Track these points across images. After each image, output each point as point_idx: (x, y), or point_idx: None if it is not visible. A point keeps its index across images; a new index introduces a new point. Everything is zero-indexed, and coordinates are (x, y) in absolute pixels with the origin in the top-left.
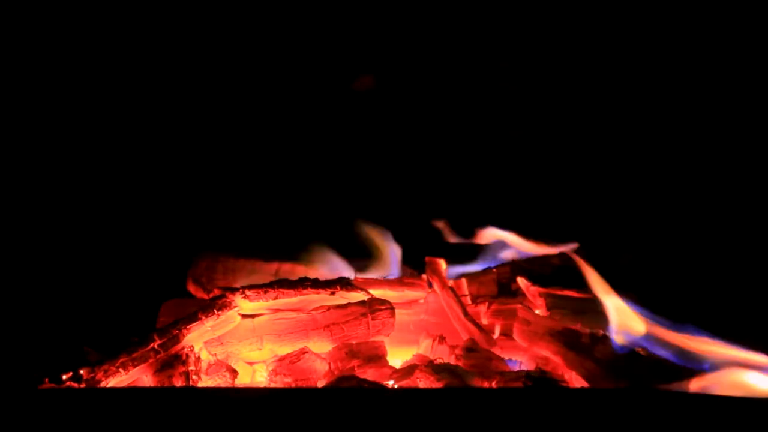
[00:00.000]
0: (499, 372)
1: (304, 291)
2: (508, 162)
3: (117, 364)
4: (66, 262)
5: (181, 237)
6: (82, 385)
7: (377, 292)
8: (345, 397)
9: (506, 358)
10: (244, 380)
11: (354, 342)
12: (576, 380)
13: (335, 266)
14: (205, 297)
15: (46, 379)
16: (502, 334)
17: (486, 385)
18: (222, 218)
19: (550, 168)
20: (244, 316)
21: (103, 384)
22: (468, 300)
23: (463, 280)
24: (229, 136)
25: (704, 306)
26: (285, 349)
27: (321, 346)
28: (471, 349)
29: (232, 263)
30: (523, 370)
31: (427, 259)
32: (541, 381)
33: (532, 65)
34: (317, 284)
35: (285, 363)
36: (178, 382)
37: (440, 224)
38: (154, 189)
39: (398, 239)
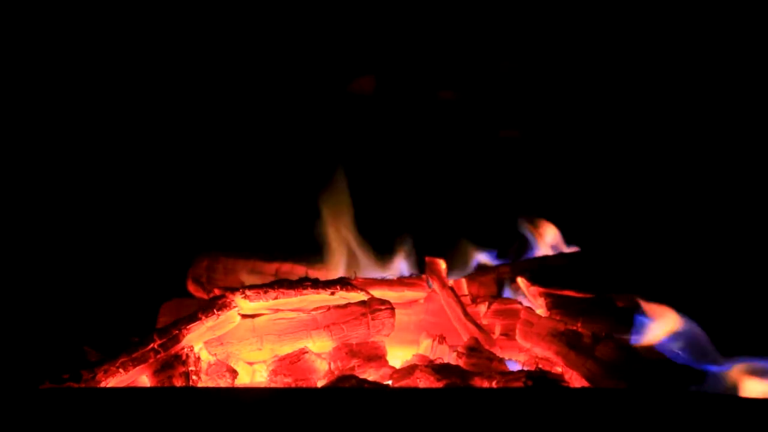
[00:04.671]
0: (500, 372)
1: (304, 291)
2: (504, 163)
3: (117, 364)
4: (66, 262)
5: (181, 237)
6: (82, 385)
7: (377, 293)
8: (345, 397)
9: (506, 358)
10: (244, 380)
11: (354, 342)
12: (577, 380)
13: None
14: (205, 297)
15: (47, 380)
16: (502, 334)
17: (486, 385)
18: (222, 218)
19: (545, 169)
20: (244, 316)
21: (103, 384)
22: (468, 300)
23: (463, 280)
24: (229, 136)
25: (703, 306)
26: (285, 349)
27: (321, 346)
28: (472, 348)
29: (232, 263)
30: (523, 370)
31: (426, 259)
32: (541, 381)
33: (528, 67)
34: (317, 284)
35: (285, 363)
36: (178, 382)
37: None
38: (154, 189)
39: (394, 240)
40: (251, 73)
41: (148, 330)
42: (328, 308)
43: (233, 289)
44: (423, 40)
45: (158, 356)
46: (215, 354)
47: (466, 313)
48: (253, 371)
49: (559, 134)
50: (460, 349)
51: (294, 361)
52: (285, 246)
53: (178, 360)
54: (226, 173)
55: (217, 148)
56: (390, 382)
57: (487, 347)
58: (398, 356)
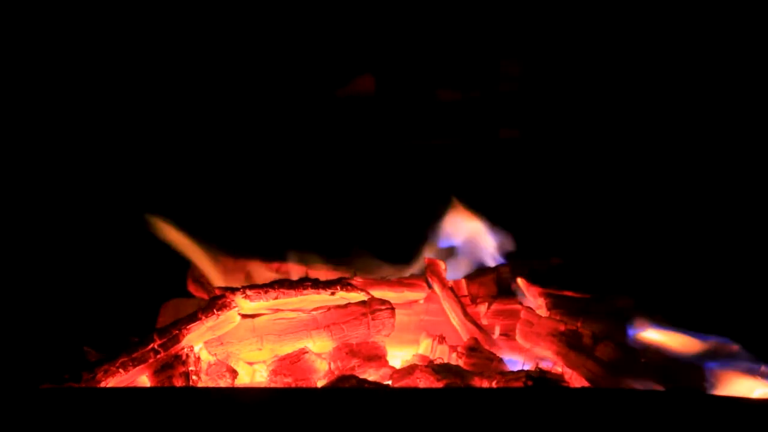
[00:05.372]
0: (500, 372)
1: (305, 291)
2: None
3: (117, 364)
4: (66, 262)
5: (181, 237)
6: (82, 385)
7: (377, 293)
8: (345, 397)
9: (506, 358)
10: (244, 380)
11: (354, 342)
12: (577, 380)
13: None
14: (205, 297)
15: (47, 380)
16: (502, 334)
17: (486, 385)
18: (222, 218)
19: (545, 169)
20: (244, 316)
21: (103, 384)
22: (468, 300)
23: (463, 281)
24: (229, 136)
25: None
26: (285, 349)
27: (321, 346)
28: (472, 348)
29: (232, 263)
30: (523, 370)
31: (426, 260)
32: (541, 381)
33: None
34: (317, 284)
35: (285, 363)
36: (178, 383)
37: None
38: (154, 189)
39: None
40: (250, 73)
41: (148, 330)
42: (328, 308)
43: (233, 289)
44: (423, 40)
45: (158, 356)
46: (215, 354)
47: (466, 313)
48: (253, 371)
49: (559, 134)
50: (460, 349)
51: (294, 361)
52: (284, 246)
53: (178, 360)
54: (225, 173)
55: (216, 148)
56: (390, 382)
57: (487, 347)
58: (398, 356)
